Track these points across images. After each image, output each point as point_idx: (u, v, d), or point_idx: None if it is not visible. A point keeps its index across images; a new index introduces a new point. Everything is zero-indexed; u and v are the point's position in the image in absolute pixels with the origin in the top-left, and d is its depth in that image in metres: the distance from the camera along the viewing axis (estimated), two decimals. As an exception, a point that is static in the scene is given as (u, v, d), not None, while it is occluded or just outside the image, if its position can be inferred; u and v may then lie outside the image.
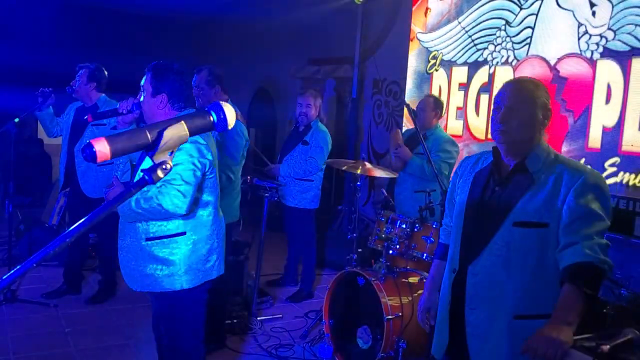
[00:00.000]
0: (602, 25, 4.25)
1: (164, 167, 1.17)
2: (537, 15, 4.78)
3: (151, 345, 3.32)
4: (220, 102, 1.30)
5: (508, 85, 2.21)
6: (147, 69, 2.84)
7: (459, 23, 5.57)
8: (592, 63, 4.32)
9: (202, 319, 3.01)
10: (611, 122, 4.19)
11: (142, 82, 2.83)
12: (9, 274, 1.00)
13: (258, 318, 4.76)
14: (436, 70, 5.90)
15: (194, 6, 8.48)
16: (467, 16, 5.48)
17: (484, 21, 5.29)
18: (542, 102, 2.15)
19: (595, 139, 4.31)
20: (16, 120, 4.70)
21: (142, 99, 2.83)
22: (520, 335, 2.02)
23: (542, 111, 2.14)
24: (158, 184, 2.64)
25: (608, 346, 1.83)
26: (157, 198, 2.62)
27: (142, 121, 3.07)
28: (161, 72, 2.79)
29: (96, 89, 4.86)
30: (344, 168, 4.48)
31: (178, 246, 2.78)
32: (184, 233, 2.79)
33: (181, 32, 9.73)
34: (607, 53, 4.23)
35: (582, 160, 4.25)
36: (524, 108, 2.13)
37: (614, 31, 4.17)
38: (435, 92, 5.74)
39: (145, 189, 2.67)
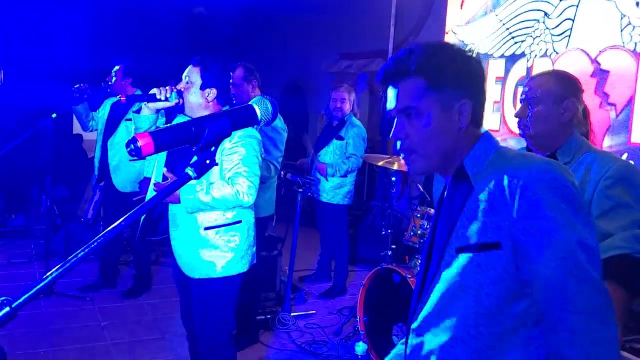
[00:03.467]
0: (647, 16, 4.12)
1: (207, 162, 1.15)
2: (577, 6, 4.66)
3: (186, 339, 3.32)
4: (264, 97, 1.27)
5: (529, 79, 2.21)
6: (195, 62, 2.89)
7: (496, 15, 5.46)
8: (636, 55, 4.19)
9: (235, 307, 3.08)
10: (656, 116, 4.07)
11: (187, 74, 2.88)
12: (60, 267, 0.99)
13: (292, 314, 4.74)
14: (472, 64, 5.79)
15: (225, 2, 8.50)
16: (505, 8, 5.37)
17: (522, 13, 5.18)
18: (560, 95, 2.10)
19: (638, 133, 4.18)
20: (53, 115, 4.76)
21: (184, 89, 2.85)
22: None
23: (562, 105, 2.09)
24: (229, 176, 2.78)
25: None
26: (233, 190, 2.74)
27: (176, 112, 3.06)
28: (212, 67, 2.87)
29: (131, 84, 4.90)
30: (380, 164, 4.43)
31: (236, 234, 2.92)
32: (240, 221, 2.93)
33: (214, 27, 9.76)
34: (652, 45, 4.10)
35: (625, 156, 4.13)
36: (539, 102, 2.11)
37: (660, 22, 4.04)
38: (471, 86, 5.64)
39: (212, 181, 2.77)
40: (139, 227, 3.14)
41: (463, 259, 1.33)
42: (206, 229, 2.86)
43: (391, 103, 1.42)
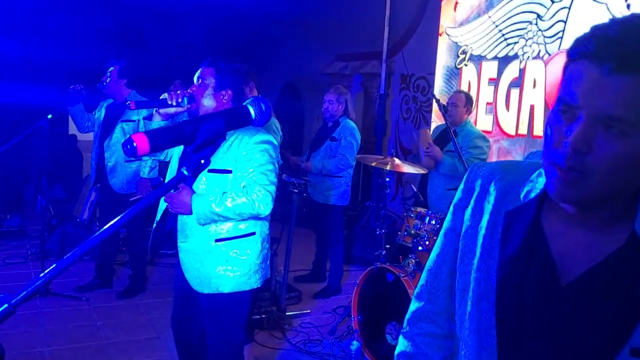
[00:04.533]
0: (637, 18, 4.17)
1: (202, 161, 1.18)
2: (569, 8, 4.71)
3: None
4: (258, 97, 1.30)
5: None
6: (207, 64, 2.79)
7: (489, 17, 5.51)
8: (627, 57, 4.24)
9: (245, 321, 3.00)
10: (646, 117, 4.11)
11: (199, 76, 2.78)
12: (58, 264, 1.01)
13: (287, 313, 4.77)
14: (465, 65, 5.84)
15: (222, 2, 8.52)
16: (498, 10, 5.42)
17: (514, 15, 5.23)
18: None
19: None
20: (49, 116, 4.77)
21: (197, 92, 2.75)
22: None
23: None
24: (244, 184, 2.65)
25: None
26: (247, 199, 2.62)
27: (188, 116, 3.01)
28: (226, 67, 2.78)
29: (126, 85, 4.91)
30: (373, 164, 4.46)
31: (249, 246, 2.78)
32: (253, 233, 2.80)
33: (210, 28, 9.78)
34: (643, 46, 4.14)
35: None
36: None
37: (650, 24, 4.08)
38: (464, 88, 5.69)
39: (225, 190, 2.65)
40: (150, 240, 3.04)
41: None
42: (217, 240, 2.72)
43: (585, 97, 0.91)
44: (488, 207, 1.14)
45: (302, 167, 5.29)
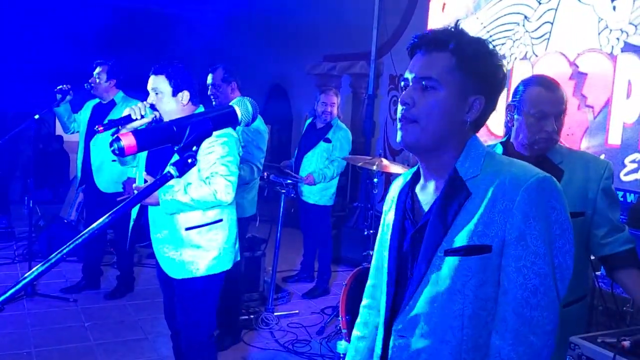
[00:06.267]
0: (622, 20, 4.20)
1: (189, 160, 1.18)
2: (556, 10, 4.74)
3: (169, 339, 3.35)
4: (244, 98, 1.31)
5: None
6: (157, 71, 2.87)
7: (477, 18, 5.53)
8: (613, 58, 4.27)
9: (216, 306, 3.13)
10: (632, 117, 4.14)
11: (153, 86, 2.86)
12: (41, 265, 1.01)
13: (275, 314, 4.77)
14: (453, 66, 5.86)
15: (209, 4, 8.52)
16: (485, 11, 5.45)
17: (502, 16, 5.25)
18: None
19: (615, 134, 4.26)
20: (36, 117, 4.74)
21: (155, 101, 2.84)
22: None
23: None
24: (207, 176, 2.80)
25: (629, 342, 1.83)
26: (210, 189, 2.77)
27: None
28: (176, 70, 2.87)
29: (114, 85, 4.90)
30: (360, 164, 4.48)
31: (217, 232, 2.96)
32: (221, 220, 2.97)
33: (197, 29, 9.77)
34: (628, 48, 4.17)
35: (602, 157, 4.21)
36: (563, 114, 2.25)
37: (635, 26, 4.12)
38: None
39: (189, 181, 2.79)
40: (128, 235, 3.16)
41: (452, 261, 1.34)
42: (187, 229, 2.89)
43: (413, 69, 1.41)
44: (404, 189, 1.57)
45: (305, 183, 5.21)
